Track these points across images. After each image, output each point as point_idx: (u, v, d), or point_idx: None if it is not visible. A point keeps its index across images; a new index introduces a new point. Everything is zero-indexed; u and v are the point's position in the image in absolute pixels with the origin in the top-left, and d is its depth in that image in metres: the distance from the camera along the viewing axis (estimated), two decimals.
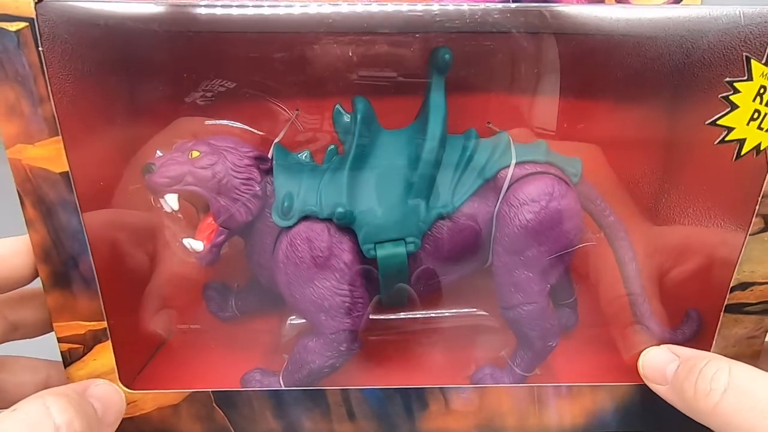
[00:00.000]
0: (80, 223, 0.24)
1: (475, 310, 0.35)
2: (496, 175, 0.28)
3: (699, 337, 0.28)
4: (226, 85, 0.29)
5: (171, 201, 0.26)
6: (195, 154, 0.26)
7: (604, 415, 0.28)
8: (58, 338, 0.26)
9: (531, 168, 0.28)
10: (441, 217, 0.28)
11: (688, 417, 0.27)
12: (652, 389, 0.26)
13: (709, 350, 0.27)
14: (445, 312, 0.35)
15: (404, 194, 0.27)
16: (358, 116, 0.27)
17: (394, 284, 0.28)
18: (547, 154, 0.29)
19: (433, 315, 0.34)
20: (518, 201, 0.27)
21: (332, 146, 0.29)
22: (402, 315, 0.33)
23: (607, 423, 0.28)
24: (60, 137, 0.22)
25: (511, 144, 0.29)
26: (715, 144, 0.24)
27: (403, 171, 0.27)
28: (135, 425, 0.27)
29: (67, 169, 0.23)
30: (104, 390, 0.24)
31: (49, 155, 0.22)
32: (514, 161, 0.28)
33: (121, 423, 0.27)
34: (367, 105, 0.28)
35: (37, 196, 0.23)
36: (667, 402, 0.27)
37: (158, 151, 0.28)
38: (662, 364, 0.25)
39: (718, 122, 0.23)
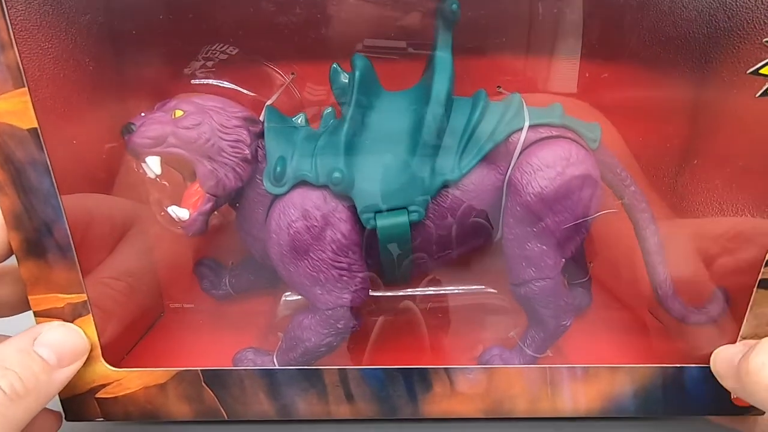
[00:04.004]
0: (53, 185, 0.22)
1: (482, 287, 0.33)
2: (507, 139, 0.25)
3: (728, 317, 0.26)
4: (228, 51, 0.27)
5: (153, 164, 0.24)
6: (178, 113, 0.24)
7: (623, 399, 0.26)
8: (34, 312, 0.24)
9: (545, 131, 0.26)
10: (447, 185, 0.25)
11: (714, 403, 0.26)
12: (726, 387, 0.24)
13: (739, 330, 0.25)
14: (451, 289, 0.33)
15: (407, 159, 0.25)
16: (357, 74, 0.25)
17: (396, 258, 0.26)
18: (562, 118, 0.26)
19: (438, 292, 0.32)
20: (532, 167, 0.25)
21: (329, 108, 0.27)
22: (404, 292, 0.31)
23: (626, 407, 0.26)
24: (26, 89, 0.20)
25: (523, 106, 0.26)
26: (756, 96, 0.21)
27: (406, 134, 0.25)
28: (120, 405, 0.26)
29: (35, 125, 0.21)
30: (57, 335, 0.23)
31: (15, 109, 0.20)
32: (527, 123, 0.25)
33: (105, 403, 0.26)
34: (366, 64, 0.25)
35: (4, 156, 0.21)
36: (692, 387, 0.25)
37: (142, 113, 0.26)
38: (732, 356, 0.23)
39: (761, 71, 0.20)
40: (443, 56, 0.25)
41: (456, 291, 0.32)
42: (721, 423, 0.27)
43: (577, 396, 0.26)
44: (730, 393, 0.25)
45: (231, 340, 0.31)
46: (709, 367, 0.25)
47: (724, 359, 0.24)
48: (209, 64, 0.27)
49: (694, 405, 0.26)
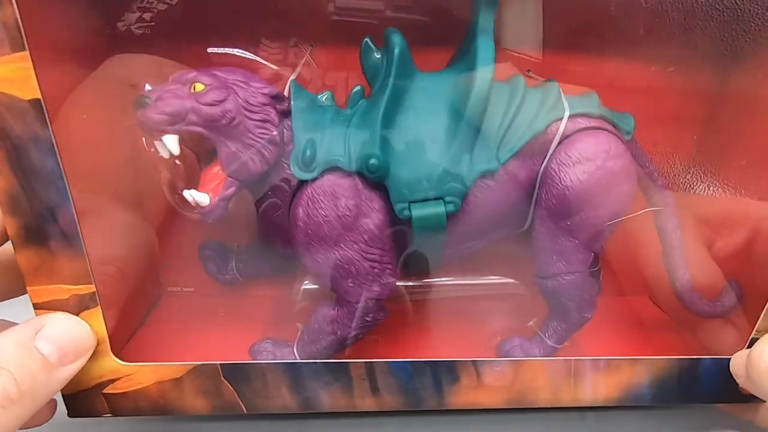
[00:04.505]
0: (58, 165, 0.19)
1: (501, 278, 0.32)
2: (546, 129, 0.24)
3: (745, 311, 0.27)
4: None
5: (170, 143, 0.21)
6: (199, 87, 0.21)
7: (640, 388, 0.27)
8: (33, 304, 0.21)
9: (584, 122, 0.25)
10: (484, 175, 0.24)
11: (722, 392, 0.27)
12: (741, 385, 0.25)
13: (755, 324, 0.26)
14: (469, 280, 0.32)
15: (446, 147, 0.23)
16: (396, 52, 0.23)
17: (427, 248, 0.25)
18: (600, 108, 0.25)
19: (456, 283, 0.32)
20: (570, 159, 0.24)
21: (358, 87, 0.25)
22: (424, 281, 0.31)
23: (642, 396, 0.27)
24: (27, 52, 0.17)
25: (562, 94, 0.25)
26: None
27: (445, 121, 0.23)
28: (131, 400, 0.24)
29: (38, 95, 0.18)
30: (61, 329, 0.21)
31: (14, 76, 0.17)
32: (567, 114, 0.24)
33: (115, 398, 0.24)
34: (403, 40, 0.23)
35: (0, 131, 0.18)
36: (706, 377, 0.26)
37: (147, 85, 0.23)
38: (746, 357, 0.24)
39: None
40: (485, 39, 0.23)
41: (474, 281, 0.32)
42: (727, 411, 0.29)
43: (597, 386, 0.26)
44: (737, 383, 0.26)
45: (242, 327, 0.30)
46: (722, 359, 0.26)
47: (740, 363, 0.24)
48: (147, 16, 0.24)
49: (705, 394, 0.27)
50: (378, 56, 0.24)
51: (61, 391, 0.23)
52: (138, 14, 0.24)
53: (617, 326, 0.33)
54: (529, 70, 0.28)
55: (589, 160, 0.24)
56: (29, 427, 0.22)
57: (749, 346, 0.25)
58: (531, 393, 0.26)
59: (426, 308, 0.31)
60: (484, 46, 0.23)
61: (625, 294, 0.36)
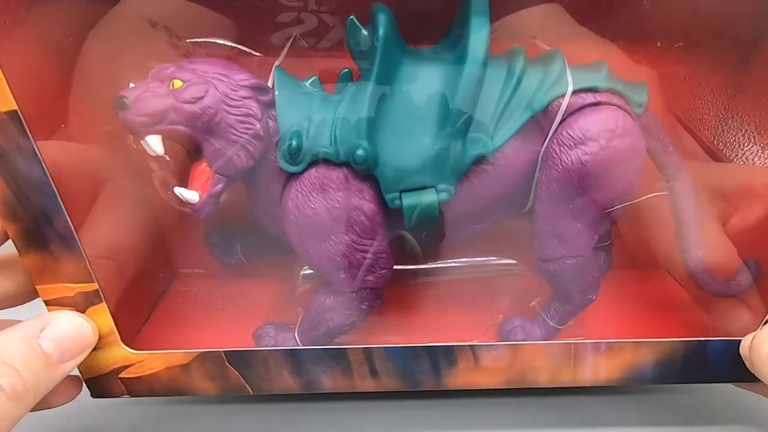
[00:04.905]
0: (44, 173, 0.19)
1: (501, 258, 0.32)
2: (547, 108, 0.23)
3: (760, 291, 0.26)
4: None
5: (154, 143, 0.21)
6: (177, 83, 0.21)
7: (643, 369, 0.26)
8: (44, 301, 0.23)
9: (589, 98, 0.23)
10: (478, 160, 0.23)
11: (730, 370, 0.26)
12: (749, 368, 0.24)
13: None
14: (469, 260, 0.32)
15: (437, 131, 0.22)
16: (381, 32, 0.21)
17: (421, 236, 0.25)
18: (608, 79, 0.23)
19: (457, 264, 0.31)
20: (572, 139, 0.23)
21: (346, 69, 0.24)
22: (422, 265, 0.31)
23: (645, 376, 0.26)
24: None
25: (566, 67, 0.23)
26: None
27: (436, 102, 0.22)
28: (145, 383, 0.26)
29: (14, 106, 0.18)
30: (65, 327, 0.22)
31: None
32: (570, 88, 0.23)
33: (131, 382, 0.25)
34: (389, 17, 0.22)
35: None
36: (714, 358, 0.26)
37: (131, 83, 0.22)
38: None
39: None
40: (479, 10, 0.21)
41: (474, 262, 0.31)
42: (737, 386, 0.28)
43: (598, 367, 0.26)
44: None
45: (245, 311, 0.31)
46: (731, 340, 0.25)
47: (748, 346, 0.24)
48: None
49: (713, 374, 0.26)
50: (365, 34, 0.23)
51: (81, 375, 0.25)
52: None
53: (628, 304, 0.32)
54: (535, 37, 0.26)
55: (592, 140, 0.22)
56: (56, 406, 0.24)
57: None
58: (530, 373, 0.26)
59: (426, 290, 0.31)
60: (478, 16, 0.21)
61: (639, 267, 0.35)
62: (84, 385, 0.25)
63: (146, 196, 0.26)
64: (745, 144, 0.29)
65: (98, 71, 0.23)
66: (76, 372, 0.24)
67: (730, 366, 0.26)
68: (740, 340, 0.25)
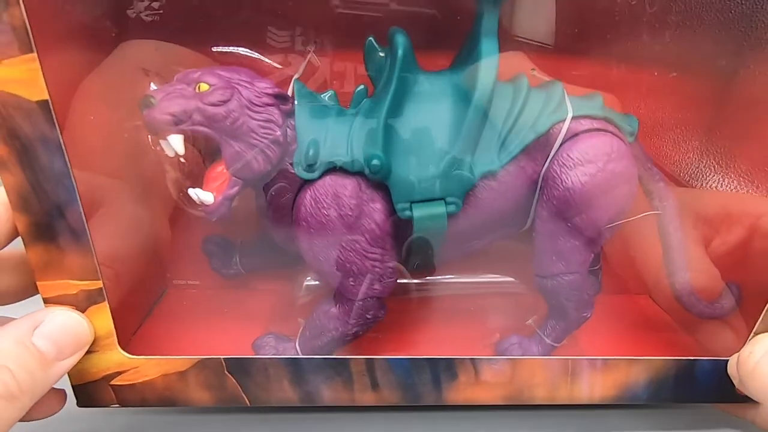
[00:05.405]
0: (66, 165, 0.19)
1: (499, 276, 0.33)
2: (549, 131, 0.25)
3: (743, 313, 0.27)
4: None
5: (175, 143, 0.22)
6: (203, 87, 0.21)
7: (636, 387, 0.27)
8: (43, 299, 0.22)
9: (587, 124, 0.25)
10: (485, 176, 0.24)
11: (719, 392, 0.27)
12: (738, 387, 0.25)
13: (753, 326, 0.26)
14: (469, 278, 0.32)
15: (447, 147, 0.24)
16: (400, 53, 0.23)
17: (427, 248, 0.25)
18: (603, 109, 0.25)
19: (456, 281, 0.32)
20: (572, 161, 0.24)
21: (361, 86, 0.25)
22: (425, 279, 0.31)
23: (638, 395, 0.27)
24: (35, 54, 0.17)
25: (566, 95, 0.25)
26: None
27: (447, 121, 0.24)
28: (138, 391, 0.25)
29: (45, 96, 0.18)
30: (59, 324, 0.21)
31: (22, 77, 0.18)
32: (570, 115, 0.25)
33: (122, 390, 0.24)
34: (408, 41, 0.23)
35: (8, 130, 0.19)
36: (702, 378, 0.27)
37: (152, 84, 0.23)
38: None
39: None
40: (489, 37, 0.23)
41: (473, 279, 0.32)
42: (726, 412, 0.29)
43: (594, 385, 0.27)
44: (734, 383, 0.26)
45: (244, 322, 0.30)
46: (720, 360, 0.26)
47: (736, 365, 0.25)
48: (155, 5, 0.24)
49: (702, 394, 0.27)
50: (382, 55, 0.24)
51: (70, 382, 0.24)
52: (147, 2, 0.24)
53: (617, 325, 0.33)
54: (533, 69, 0.28)
55: (591, 162, 0.24)
56: (39, 419, 0.23)
57: None
58: (528, 390, 0.27)
59: (426, 305, 0.31)
60: (488, 47, 0.23)
61: (627, 293, 0.36)
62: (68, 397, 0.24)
63: (139, 217, 0.27)
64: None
65: (92, 113, 0.23)
66: (61, 384, 0.23)
67: (718, 386, 0.27)
68: (728, 360, 0.26)
